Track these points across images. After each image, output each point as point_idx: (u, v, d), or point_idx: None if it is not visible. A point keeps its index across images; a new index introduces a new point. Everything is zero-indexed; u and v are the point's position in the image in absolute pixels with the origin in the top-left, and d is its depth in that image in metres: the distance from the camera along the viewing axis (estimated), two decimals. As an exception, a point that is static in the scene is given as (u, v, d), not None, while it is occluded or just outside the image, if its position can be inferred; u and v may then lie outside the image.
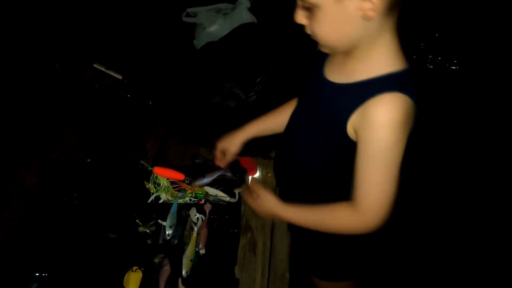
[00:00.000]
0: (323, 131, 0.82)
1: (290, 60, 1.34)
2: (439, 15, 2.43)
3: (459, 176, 2.04)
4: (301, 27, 0.73)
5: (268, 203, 0.87)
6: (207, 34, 1.60)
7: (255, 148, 1.25)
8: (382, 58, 0.72)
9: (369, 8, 0.64)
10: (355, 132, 0.74)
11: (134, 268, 0.95)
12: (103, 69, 1.45)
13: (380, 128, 0.69)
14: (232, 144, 1.04)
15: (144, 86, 1.37)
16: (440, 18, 2.47)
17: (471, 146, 2.19)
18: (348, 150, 0.77)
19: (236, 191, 1.10)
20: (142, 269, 0.94)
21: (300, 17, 0.71)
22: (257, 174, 1.22)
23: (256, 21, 1.66)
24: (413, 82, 0.72)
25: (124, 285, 0.92)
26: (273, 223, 1.08)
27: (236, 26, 1.51)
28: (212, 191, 1.11)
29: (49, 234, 1.01)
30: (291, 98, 1.33)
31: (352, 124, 0.73)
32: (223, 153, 1.06)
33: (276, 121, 1.02)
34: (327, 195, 0.87)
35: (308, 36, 0.74)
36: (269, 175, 1.22)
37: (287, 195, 0.98)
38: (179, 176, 1.12)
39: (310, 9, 0.69)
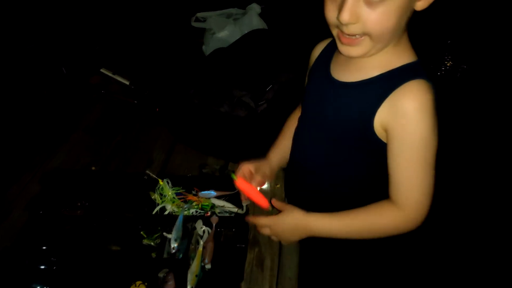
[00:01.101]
0: (341, 134, 0.78)
1: (301, 67, 1.31)
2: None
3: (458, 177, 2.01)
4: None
5: (291, 219, 0.78)
6: (217, 39, 1.58)
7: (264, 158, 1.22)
8: (397, 52, 0.71)
9: None
10: (385, 129, 0.71)
11: (138, 283, 0.91)
12: (110, 74, 1.43)
13: (414, 115, 0.67)
14: (264, 168, 0.94)
15: (152, 93, 1.34)
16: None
17: (471, 147, 2.16)
18: (372, 149, 0.74)
19: (244, 203, 1.06)
20: (146, 283, 0.91)
21: (354, 14, 0.65)
22: (265, 186, 1.18)
23: (266, 27, 1.63)
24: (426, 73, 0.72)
25: (127, 300, 0.89)
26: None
27: (246, 32, 1.48)
28: (219, 202, 1.08)
29: (51, 245, 0.98)
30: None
31: (381, 120, 0.70)
32: (250, 174, 0.93)
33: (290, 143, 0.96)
34: (346, 202, 0.82)
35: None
36: (277, 186, 1.18)
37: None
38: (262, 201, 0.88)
39: (376, 4, 0.64)
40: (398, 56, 0.71)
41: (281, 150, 0.98)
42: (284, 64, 1.30)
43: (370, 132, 0.72)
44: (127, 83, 1.40)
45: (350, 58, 0.74)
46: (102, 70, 1.43)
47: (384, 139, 0.72)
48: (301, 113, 0.93)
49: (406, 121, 0.67)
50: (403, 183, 0.71)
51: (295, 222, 0.79)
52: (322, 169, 0.85)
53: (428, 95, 0.67)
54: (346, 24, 0.66)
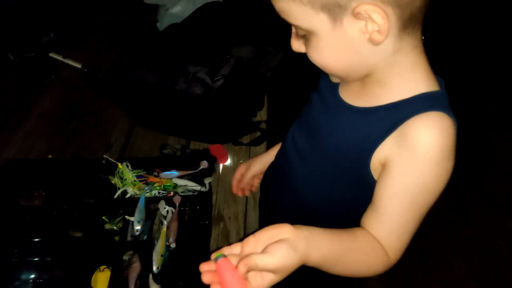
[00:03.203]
0: (332, 159, 0.70)
1: (258, 41, 1.30)
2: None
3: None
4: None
5: (299, 254, 0.52)
6: (171, 15, 1.53)
7: (225, 135, 1.22)
8: (409, 80, 0.60)
9: (374, 31, 0.53)
10: (384, 163, 0.60)
11: (102, 267, 0.91)
12: (60, 58, 1.36)
13: (427, 155, 0.56)
14: (257, 163, 0.96)
15: (105, 74, 1.30)
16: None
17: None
18: (362, 183, 0.65)
19: (206, 181, 1.07)
20: (111, 267, 0.90)
21: (298, 45, 0.62)
22: (228, 162, 1.19)
23: (221, 0, 1.59)
24: (451, 107, 0.59)
25: (92, 285, 0.88)
26: (245, 212, 1.06)
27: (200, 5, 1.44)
28: (181, 182, 1.07)
29: (10, 237, 0.96)
30: (260, 82, 1.29)
31: (381, 154, 0.60)
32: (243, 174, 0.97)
33: None
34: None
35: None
36: (240, 161, 1.19)
37: None
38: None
39: (305, 37, 0.59)
40: (413, 84, 0.60)
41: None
42: (240, 38, 1.28)
43: (364, 165, 0.63)
44: (79, 66, 1.35)
45: (358, 82, 0.66)
46: (51, 55, 1.37)
47: (375, 176, 0.63)
48: (299, 122, 0.84)
49: (415, 160, 0.57)
50: (397, 229, 0.61)
51: (299, 258, 0.52)
52: (310, 187, 0.78)
53: (448, 131, 0.56)
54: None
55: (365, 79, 0.63)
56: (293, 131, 0.83)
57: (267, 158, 0.96)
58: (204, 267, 0.52)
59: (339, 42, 0.56)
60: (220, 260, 0.50)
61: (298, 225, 0.55)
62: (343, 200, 0.73)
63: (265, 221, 1.00)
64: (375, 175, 0.63)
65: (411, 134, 0.56)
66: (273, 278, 0.51)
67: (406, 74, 0.60)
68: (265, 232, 0.53)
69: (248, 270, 0.49)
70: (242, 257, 0.50)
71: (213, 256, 0.52)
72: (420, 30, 0.58)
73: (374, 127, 0.61)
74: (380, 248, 0.61)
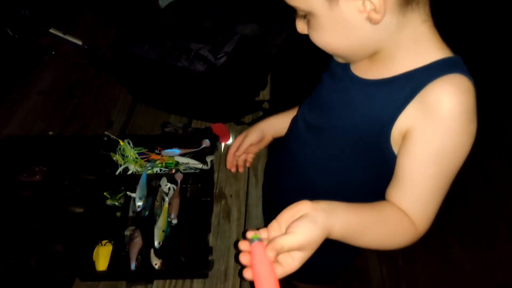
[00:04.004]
0: (347, 136, 0.68)
1: (263, 18, 1.27)
2: None
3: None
4: None
5: (320, 226, 0.51)
6: (173, -7, 1.50)
7: (227, 114, 1.21)
8: (423, 51, 0.59)
9: (371, 10, 0.53)
10: (405, 133, 0.59)
11: (104, 241, 0.91)
12: (60, 34, 1.34)
13: (450, 117, 0.55)
14: (254, 131, 0.93)
15: (106, 51, 1.28)
16: None
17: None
18: (372, 169, 0.65)
19: (208, 159, 1.06)
20: (112, 242, 0.91)
21: (302, 26, 0.62)
22: (230, 141, 1.18)
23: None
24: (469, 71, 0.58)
25: (94, 259, 0.88)
26: (247, 190, 1.05)
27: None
28: (183, 159, 1.07)
29: (11, 213, 0.96)
30: (264, 60, 1.28)
31: (402, 124, 0.59)
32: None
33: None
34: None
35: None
36: (242, 141, 1.18)
37: None
38: None
39: (306, 17, 0.60)
40: (426, 54, 0.59)
41: (282, 120, 0.92)
42: (244, 16, 1.25)
43: (385, 139, 0.61)
44: (80, 42, 1.33)
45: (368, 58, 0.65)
46: (51, 31, 1.35)
47: (395, 149, 0.62)
48: (310, 102, 0.81)
49: (439, 123, 0.56)
50: (423, 198, 0.60)
51: (321, 230, 0.52)
52: (322, 169, 0.76)
53: (469, 92, 0.55)
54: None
55: (373, 56, 0.62)
56: (303, 110, 0.81)
57: (264, 125, 0.93)
58: (242, 245, 0.51)
59: (338, 22, 0.56)
60: (255, 244, 0.50)
61: (317, 200, 0.54)
62: (357, 182, 0.72)
63: (269, 207, 1.00)
64: (395, 148, 0.62)
65: (433, 98, 0.55)
66: (302, 255, 0.51)
67: (418, 46, 0.59)
68: (285, 213, 0.53)
69: (277, 254, 0.49)
70: (268, 242, 0.50)
71: (249, 235, 0.52)
72: (427, 4, 0.57)
73: (391, 98, 0.60)
74: (406, 219, 0.59)
